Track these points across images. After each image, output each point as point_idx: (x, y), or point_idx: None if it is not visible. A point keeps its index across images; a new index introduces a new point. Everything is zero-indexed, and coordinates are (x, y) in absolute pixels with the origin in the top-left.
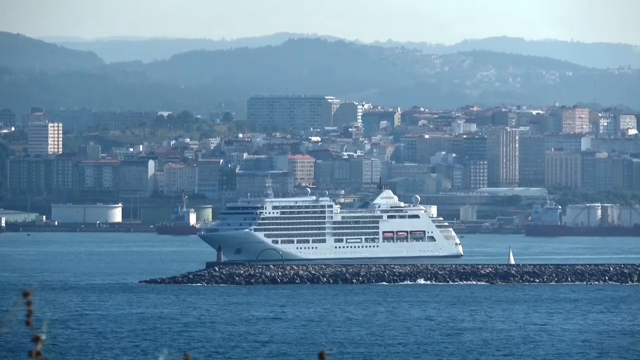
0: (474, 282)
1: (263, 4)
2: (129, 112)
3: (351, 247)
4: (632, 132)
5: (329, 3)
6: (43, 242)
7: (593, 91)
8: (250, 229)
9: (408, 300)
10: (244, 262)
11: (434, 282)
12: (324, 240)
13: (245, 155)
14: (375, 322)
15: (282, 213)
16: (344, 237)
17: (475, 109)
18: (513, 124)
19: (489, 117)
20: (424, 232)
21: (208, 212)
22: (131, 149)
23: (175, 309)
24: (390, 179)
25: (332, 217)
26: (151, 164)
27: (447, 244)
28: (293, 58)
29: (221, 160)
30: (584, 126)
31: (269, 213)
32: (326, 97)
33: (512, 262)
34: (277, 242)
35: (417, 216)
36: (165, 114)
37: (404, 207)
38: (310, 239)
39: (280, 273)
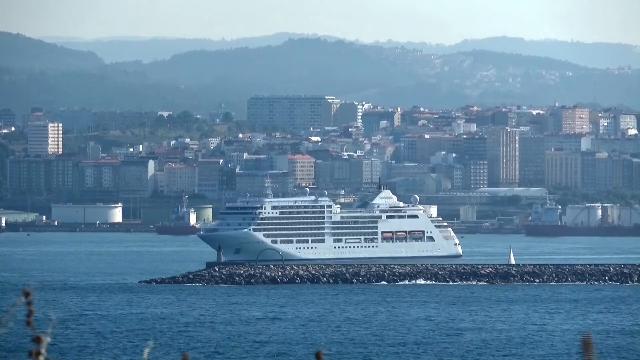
0: (474, 282)
1: (263, 4)
2: (129, 112)
3: (350, 247)
4: (632, 132)
5: (329, 3)
6: (43, 242)
7: (593, 91)
8: (250, 229)
9: (408, 300)
10: (244, 262)
11: (427, 282)
12: (323, 240)
13: (245, 155)
14: (375, 322)
15: (281, 213)
16: (343, 237)
17: (475, 109)
18: (513, 124)
19: (489, 117)
20: (423, 232)
21: (208, 212)
22: (131, 149)
23: (175, 309)
24: (390, 179)
25: (331, 217)
26: (151, 164)
27: (446, 244)
28: (293, 58)
29: (221, 160)
30: (584, 126)
31: (268, 213)
32: (326, 97)
33: (513, 262)
34: (276, 242)
35: (416, 216)
36: (165, 114)
37: (403, 207)
38: (310, 239)
39: (280, 273)
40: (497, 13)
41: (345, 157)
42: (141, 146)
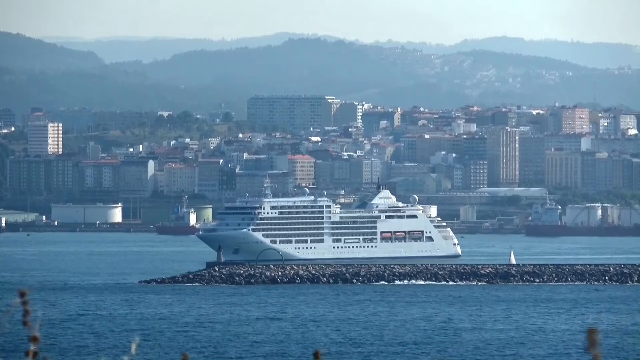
0: (474, 283)
1: (263, 4)
2: (129, 112)
3: (349, 247)
4: (632, 132)
5: (329, 3)
6: (43, 242)
7: (593, 91)
8: (249, 229)
9: (408, 300)
10: (244, 262)
11: (428, 283)
12: (322, 241)
13: (245, 155)
14: (374, 322)
15: (281, 213)
16: (342, 237)
17: (475, 109)
18: (513, 124)
19: (489, 117)
20: (422, 232)
21: (208, 212)
22: (131, 149)
23: (175, 309)
24: (390, 179)
25: (330, 217)
26: (151, 164)
27: (445, 244)
28: (293, 58)
29: (221, 160)
30: (584, 126)
31: (267, 213)
32: (326, 97)
33: (513, 262)
34: (275, 242)
35: (415, 216)
36: (165, 114)
37: (402, 207)
38: (309, 239)
39: (280, 273)
40: (497, 13)
41: (345, 157)
42: (141, 146)
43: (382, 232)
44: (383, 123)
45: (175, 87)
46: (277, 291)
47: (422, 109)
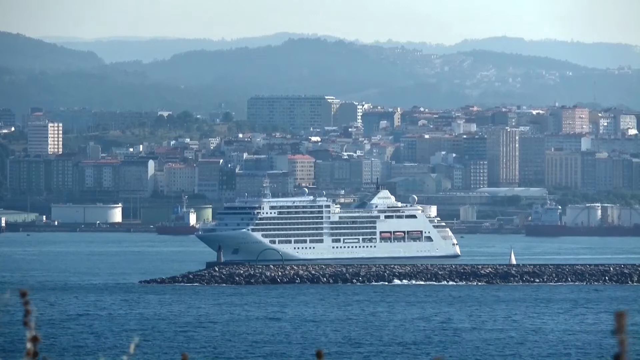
0: (474, 283)
1: (263, 4)
2: (129, 112)
3: (348, 247)
4: (632, 132)
5: (329, 3)
6: (43, 242)
7: (593, 91)
8: (248, 229)
9: (408, 300)
10: (244, 262)
11: (428, 283)
12: (321, 241)
13: (245, 155)
14: (374, 322)
15: (280, 213)
16: (342, 237)
17: (475, 109)
18: (513, 124)
19: (489, 117)
20: (421, 232)
21: (208, 212)
22: (131, 149)
23: (174, 309)
24: (390, 179)
25: (329, 217)
26: (151, 164)
27: (444, 244)
28: (293, 58)
29: (221, 160)
30: (584, 126)
31: (267, 213)
32: (326, 97)
33: (514, 262)
34: (274, 242)
35: (414, 216)
36: (165, 114)
37: (401, 207)
38: (308, 239)
39: (280, 273)
40: (497, 13)
41: (345, 157)
42: (141, 146)
43: (381, 232)
44: (383, 123)
45: (175, 87)
46: (277, 291)
47: (422, 109)
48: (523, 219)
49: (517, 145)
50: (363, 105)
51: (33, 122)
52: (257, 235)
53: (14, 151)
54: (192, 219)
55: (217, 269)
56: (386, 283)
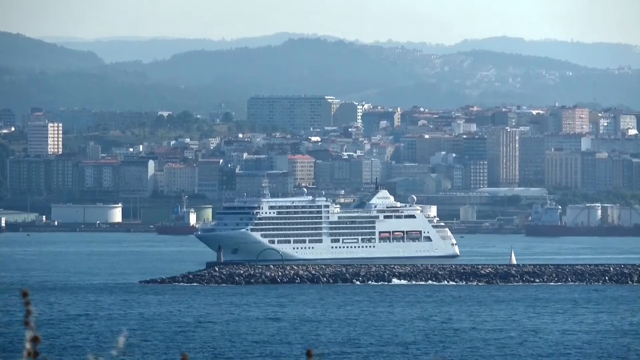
0: (474, 283)
1: (263, 4)
2: (129, 112)
3: (347, 247)
4: (632, 132)
5: (329, 3)
6: (43, 242)
7: (593, 91)
8: (247, 229)
9: (408, 300)
10: (244, 262)
11: (428, 283)
12: (320, 241)
13: (245, 155)
14: (374, 322)
15: (279, 213)
16: (341, 237)
17: (475, 109)
18: (513, 124)
19: (489, 117)
20: (420, 232)
21: (208, 212)
22: (131, 149)
23: (174, 309)
24: (390, 179)
25: (328, 217)
26: (151, 164)
27: (443, 244)
28: (293, 58)
29: (221, 160)
30: (584, 126)
31: (266, 213)
32: (326, 97)
33: (514, 262)
34: (273, 242)
35: (413, 216)
36: (165, 114)
37: (400, 207)
38: (307, 239)
39: (280, 273)
40: (497, 13)
41: (345, 157)
42: (141, 146)
43: (380, 232)
44: (383, 123)
45: (175, 87)
46: (277, 291)
47: (422, 109)
48: (523, 219)
49: (517, 145)
50: (363, 105)
51: (33, 122)
52: (256, 235)
53: (14, 151)
54: (192, 219)
55: (217, 269)
56: (386, 283)
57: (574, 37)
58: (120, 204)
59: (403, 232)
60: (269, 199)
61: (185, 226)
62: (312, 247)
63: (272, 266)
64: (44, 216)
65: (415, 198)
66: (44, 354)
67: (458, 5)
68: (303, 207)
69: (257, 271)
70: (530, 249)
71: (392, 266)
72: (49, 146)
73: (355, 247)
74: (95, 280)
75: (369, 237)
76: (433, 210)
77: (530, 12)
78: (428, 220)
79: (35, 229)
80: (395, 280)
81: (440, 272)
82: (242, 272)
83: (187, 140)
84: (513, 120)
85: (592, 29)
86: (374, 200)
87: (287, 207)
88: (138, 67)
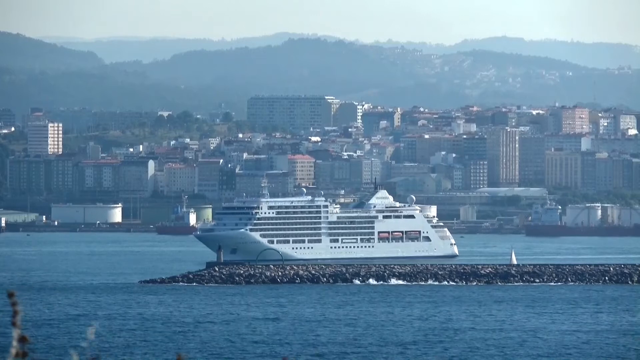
0: (474, 283)
1: (263, 4)
2: (129, 112)
3: (347, 247)
4: (632, 132)
5: (329, 3)
6: (43, 242)
7: (593, 91)
8: (246, 229)
9: (408, 300)
10: (244, 262)
11: (427, 283)
12: (319, 241)
13: (245, 155)
14: (374, 322)
15: (278, 213)
16: (340, 237)
17: (475, 109)
18: (513, 124)
19: (489, 117)
20: (419, 232)
21: (208, 212)
22: (131, 149)
23: (174, 309)
24: (390, 179)
25: (327, 217)
26: (151, 164)
27: (443, 244)
28: (293, 58)
29: (221, 160)
30: (584, 126)
31: (265, 213)
32: (326, 97)
33: (514, 262)
34: (272, 242)
35: (412, 216)
36: (165, 114)
37: (400, 207)
38: (306, 239)
39: (280, 273)
40: (497, 13)
41: (345, 157)
42: (141, 146)
43: (379, 232)
44: (383, 123)
45: (175, 87)
46: (277, 291)
47: (422, 109)
48: (523, 219)
49: (517, 145)
50: (363, 105)
51: (33, 122)
52: (256, 235)
53: (14, 151)
54: (192, 219)
55: (217, 269)
56: (386, 283)
57: (574, 37)
58: (120, 204)
59: (402, 232)
60: (268, 199)
61: (185, 226)
62: (311, 247)
63: (272, 266)
64: (44, 216)
65: (414, 198)
66: (44, 354)
67: (458, 5)
68: (302, 207)
69: (257, 271)
70: (530, 249)
71: (392, 266)
72: (49, 146)
73: (354, 247)
74: (95, 280)
75: (368, 237)
76: (433, 210)
77: (530, 12)
78: (427, 220)
79: (35, 229)
80: (394, 281)
81: (440, 272)
82: (242, 272)
83: (187, 140)
84: (513, 120)
85: (592, 29)
86: (373, 201)
87: (286, 207)
88: (138, 67)
